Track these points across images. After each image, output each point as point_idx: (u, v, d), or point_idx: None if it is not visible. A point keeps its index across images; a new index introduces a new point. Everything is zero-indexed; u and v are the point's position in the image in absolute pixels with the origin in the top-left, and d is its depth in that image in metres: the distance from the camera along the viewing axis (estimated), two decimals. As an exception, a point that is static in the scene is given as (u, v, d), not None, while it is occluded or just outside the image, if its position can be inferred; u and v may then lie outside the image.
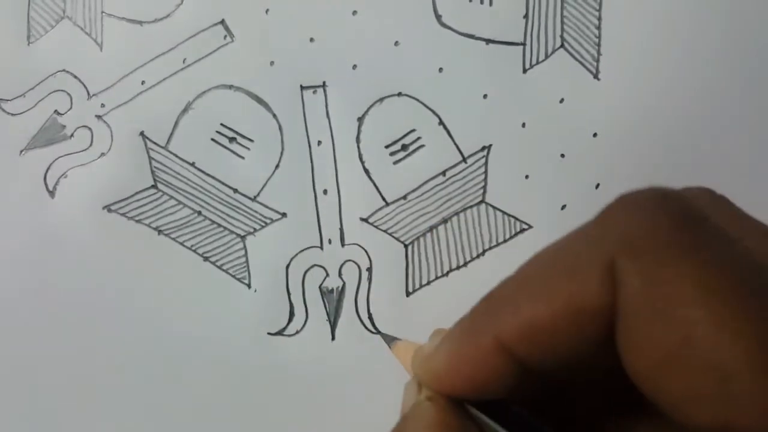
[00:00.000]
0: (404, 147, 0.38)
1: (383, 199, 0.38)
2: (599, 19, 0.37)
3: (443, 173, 0.37)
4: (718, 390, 0.16)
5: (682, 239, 0.17)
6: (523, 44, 0.37)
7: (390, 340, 0.27)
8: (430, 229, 0.38)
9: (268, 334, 0.37)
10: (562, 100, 0.37)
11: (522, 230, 0.37)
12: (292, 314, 0.38)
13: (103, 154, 0.38)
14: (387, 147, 0.38)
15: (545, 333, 0.19)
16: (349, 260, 0.38)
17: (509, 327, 0.19)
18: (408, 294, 0.38)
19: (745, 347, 0.16)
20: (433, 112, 0.38)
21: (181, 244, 0.38)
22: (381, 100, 0.38)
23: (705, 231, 0.18)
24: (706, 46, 0.36)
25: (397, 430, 0.22)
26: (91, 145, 0.38)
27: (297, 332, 0.37)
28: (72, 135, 0.38)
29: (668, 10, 0.36)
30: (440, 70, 0.37)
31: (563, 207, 0.36)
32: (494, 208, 0.37)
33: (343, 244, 0.38)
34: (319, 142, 0.38)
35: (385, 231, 0.38)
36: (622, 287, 0.18)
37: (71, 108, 0.38)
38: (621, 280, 0.18)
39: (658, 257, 0.17)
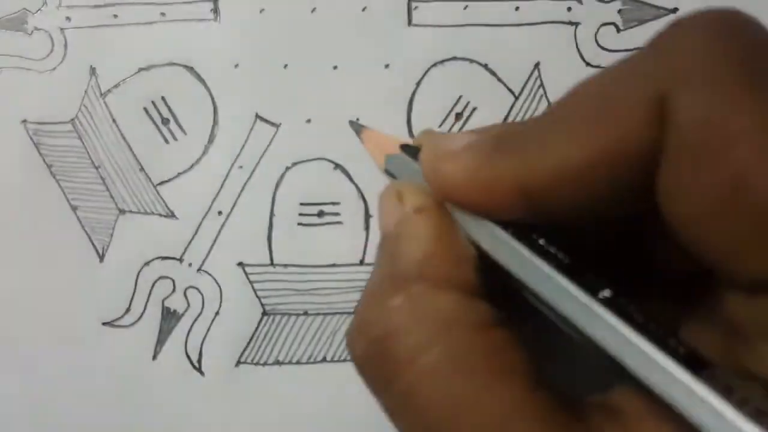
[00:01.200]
0: (320, 213, 0.36)
1: (271, 257, 0.36)
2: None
3: (361, 262, 0.35)
4: None
5: (744, 71, 0.15)
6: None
7: (358, 128, 0.25)
8: (301, 313, 0.36)
9: (102, 324, 0.36)
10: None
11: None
12: (128, 310, 0.36)
13: (50, 70, 0.37)
14: (303, 204, 0.36)
15: (574, 181, 0.16)
16: (198, 288, 0.36)
17: (533, 173, 0.17)
18: (238, 364, 0.36)
19: None
20: (356, 185, 0.36)
21: (60, 185, 0.36)
22: (302, 163, 0.36)
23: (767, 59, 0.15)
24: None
25: (389, 250, 0.19)
26: (47, 56, 0.37)
27: (125, 326, 0.36)
28: (31, 33, 0.37)
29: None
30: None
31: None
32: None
33: (199, 269, 0.36)
34: (240, 167, 0.36)
35: (251, 283, 0.36)
36: (672, 125, 0.15)
37: (40, 10, 0.37)
38: (671, 117, 0.15)
39: (716, 91, 0.15)
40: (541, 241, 0.18)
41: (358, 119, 0.36)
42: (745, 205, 0.14)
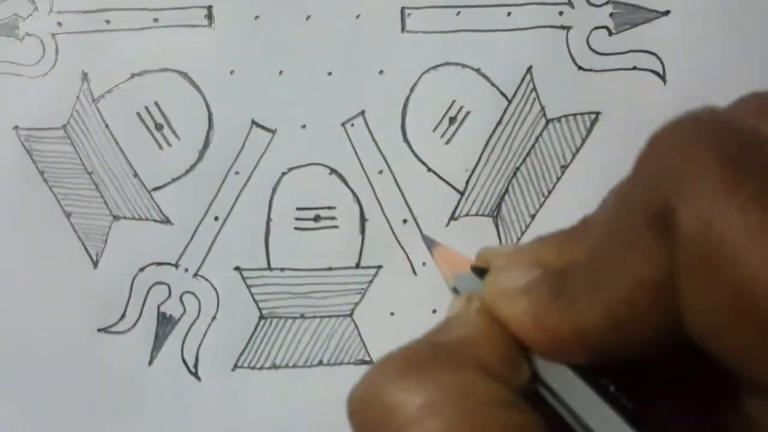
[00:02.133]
0: (317, 218, 0.36)
1: (268, 261, 0.36)
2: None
3: (357, 265, 0.36)
4: None
5: (729, 172, 0.15)
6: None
7: (431, 243, 0.25)
8: (298, 316, 0.36)
9: (98, 330, 0.36)
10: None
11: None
12: (123, 316, 0.36)
13: (42, 75, 0.37)
14: (299, 209, 0.36)
15: (623, 321, 0.17)
16: (194, 293, 0.36)
17: (589, 323, 0.17)
18: (234, 368, 0.36)
19: None
20: (352, 189, 0.36)
21: (52, 191, 0.36)
22: (297, 168, 0.36)
23: (755, 159, 0.15)
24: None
25: (440, 327, 0.20)
26: (38, 61, 0.37)
27: (121, 332, 0.36)
28: (22, 39, 0.37)
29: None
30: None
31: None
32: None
33: (195, 274, 0.36)
34: (237, 173, 0.36)
35: (248, 288, 0.36)
36: (676, 239, 0.15)
37: (31, 15, 0.37)
38: (673, 230, 0.15)
39: (707, 196, 0.15)
40: (607, 385, 0.19)
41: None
42: (749, 313, 0.15)
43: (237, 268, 0.36)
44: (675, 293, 0.16)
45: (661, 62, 0.36)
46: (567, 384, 0.19)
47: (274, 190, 0.36)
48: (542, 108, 0.36)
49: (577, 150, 0.36)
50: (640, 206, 0.16)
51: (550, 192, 0.36)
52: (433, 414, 0.17)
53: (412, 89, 0.36)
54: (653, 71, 0.36)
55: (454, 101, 0.36)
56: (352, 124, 0.36)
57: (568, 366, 0.19)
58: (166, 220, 0.36)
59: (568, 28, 0.36)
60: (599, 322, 0.17)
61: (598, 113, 0.36)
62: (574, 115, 0.36)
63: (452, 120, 0.36)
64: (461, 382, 0.18)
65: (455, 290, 0.24)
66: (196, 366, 0.36)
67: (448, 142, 0.36)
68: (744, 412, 0.17)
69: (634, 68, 0.36)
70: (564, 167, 0.36)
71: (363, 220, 0.36)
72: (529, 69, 0.36)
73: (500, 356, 0.19)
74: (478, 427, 0.17)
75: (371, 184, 0.36)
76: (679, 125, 0.17)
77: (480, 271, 0.23)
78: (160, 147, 0.36)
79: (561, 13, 0.36)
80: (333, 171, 0.36)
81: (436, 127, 0.36)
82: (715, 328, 0.16)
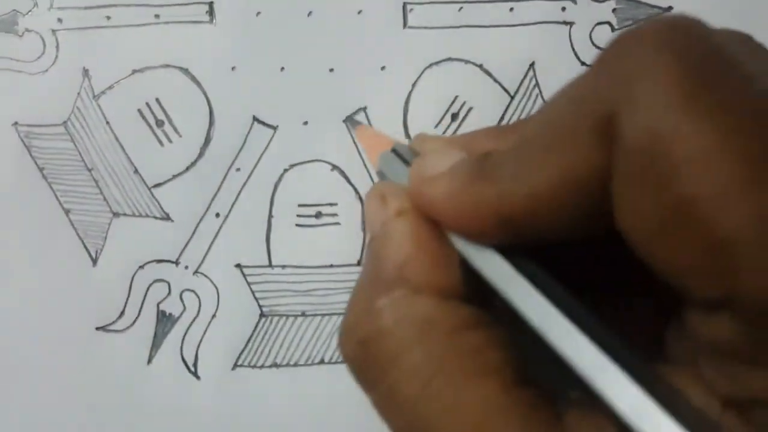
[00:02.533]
0: (318, 215, 0.36)
1: (269, 259, 0.36)
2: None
3: (358, 263, 0.35)
4: (720, 261, 0.15)
5: (686, 84, 0.15)
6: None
7: (353, 123, 0.25)
8: (299, 314, 0.35)
9: (96, 328, 0.35)
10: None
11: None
12: (122, 314, 0.36)
13: (42, 72, 0.36)
14: (301, 206, 0.36)
15: (544, 208, 0.17)
16: (194, 291, 0.36)
17: (507, 201, 0.17)
18: (234, 367, 0.35)
19: (750, 213, 0.14)
20: (354, 186, 0.36)
21: (52, 188, 0.36)
22: (299, 165, 0.36)
23: (716, 72, 0.15)
24: None
25: (374, 252, 0.20)
26: (38, 58, 0.36)
27: (119, 331, 0.35)
28: (22, 35, 0.36)
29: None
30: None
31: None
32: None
33: (196, 272, 0.36)
34: (238, 169, 0.36)
35: (249, 285, 0.35)
36: (618, 146, 0.15)
37: (31, 12, 0.37)
38: (617, 137, 0.15)
39: (658, 107, 0.15)
40: (523, 260, 0.19)
41: (353, 115, 0.36)
42: (690, 227, 0.15)
43: (238, 266, 0.36)
44: (606, 195, 0.16)
45: (663, 59, 0.36)
46: (495, 268, 0.19)
47: (275, 186, 0.36)
48: (545, 104, 0.36)
49: (580, 146, 0.36)
50: (587, 108, 0.16)
51: (552, 188, 0.36)
52: (409, 351, 0.18)
53: (414, 85, 0.36)
54: (655, 68, 0.36)
55: (456, 97, 0.36)
56: (353, 115, 0.36)
57: (494, 249, 0.19)
58: (167, 217, 0.36)
59: (571, 24, 0.36)
60: (519, 203, 0.17)
61: (600, 109, 0.36)
62: (577, 111, 0.36)
63: (454, 116, 0.36)
64: (419, 313, 0.18)
65: (380, 171, 0.23)
66: (195, 365, 0.35)
67: (450, 139, 0.36)
68: (684, 326, 0.17)
69: (637, 65, 0.36)
70: (567, 163, 0.36)
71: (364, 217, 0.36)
72: (532, 65, 0.36)
73: (436, 262, 0.19)
74: (445, 356, 0.18)
75: (373, 181, 0.36)
76: (650, 27, 0.16)
77: (404, 152, 0.23)
78: (161, 143, 0.36)
79: (564, 8, 0.36)
80: (335, 168, 0.36)
81: (438, 123, 0.36)
82: (648, 236, 0.16)
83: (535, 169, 0.17)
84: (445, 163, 0.19)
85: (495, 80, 0.36)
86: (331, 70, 0.36)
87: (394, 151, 0.23)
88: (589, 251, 0.19)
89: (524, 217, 0.17)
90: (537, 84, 0.36)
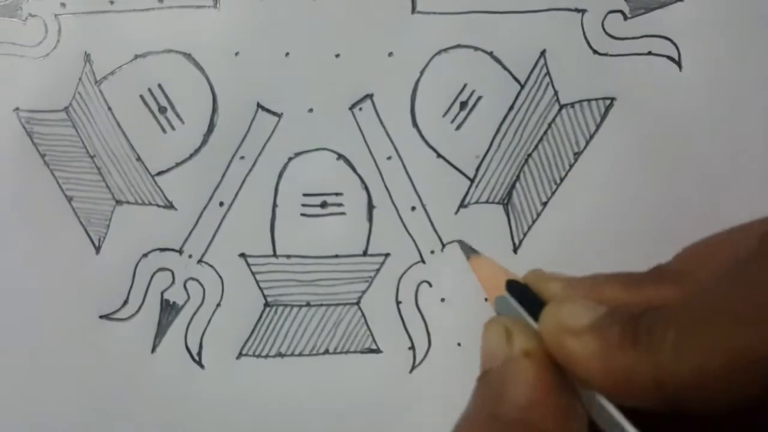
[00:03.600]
0: (324, 204, 0.35)
1: (273, 248, 0.35)
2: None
3: (364, 253, 0.35)
4: None
5: None
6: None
7: (468, 251, 0.24)
8: (304, 304, 0.35)
9: (99, 317, 0.35)
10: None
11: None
12: (125, 303, 0.35)
13: (44, 56, 0.36)
14: (306, 195, 0.35)
15: (712, 383, 0.16)
16: (198, 280, 0.35)
17: (671, 373, 0.17)
18: (239, 356, 0.35)
19: None
20: (360, 176, 0.35)
21: (54, 175, 0.35)
22: (304, 153, 0.36)
23: None
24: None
25: (493, 389, 0.19)
26: (40, 42, 0.36)
27: (123, 320, 0.35)
28: (25, 20, 0.36)
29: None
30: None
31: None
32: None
33: (200, 260, 0.35)
34: (242, 158, 0.35)
35: (253, 275, 0.35)
36: None
37: (32, -7, 0.36)
38: None
39: None
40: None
41: (359, 103, 0.35)
42: None
43: (242, 255, 0.35)
44: None
45: (677, 48, 0.35)
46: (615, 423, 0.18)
47: (280, 175, 0.35)
48: (555, 93, 0.35)
49: (591, 136, 0.35)
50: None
51: (562, 180, 0.35)
52: None
53: (422, 72, 0.35)
54: (669, 57, 0.35)
55: (465, 85, 0.35)
56: (360, 108, 0.35)
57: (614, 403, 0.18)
58: (170, 206, 0.36)
59: (582, 11, 0.35)
60: (682, 377, 0.17)
61: (612, 99, 0.35)
62: (589, 100, 0.35)
63: (463, 104, 0.35)
64: None
65: (499, 305, 0.23)
66: (199, 354, 0.35)
67: (458, 128, 0.35)
68: None
69: (650, 53, 0.35)
70: (577, 154, 0.35)
71: (371, 206, 0.35)
72: (543, 53, 0.35)
73: (563, 412, 0.19)
74: None
75: (379, 170, 0.35)
76: None
77: (519, 288, 0.22)
78: (164, 130, 0.36)
79: (576, -5, 0.35)
80: (340, 156, 0.35)
81: (447, 111, 0.35)
82: None
83: (705, 346, 0.16)
84: (585, 315, 0.19)
85: (505, 68, 0.35)
86: (337, 55, 0.35)
87: (509, 284, 0.23)
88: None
89: (686, 391, 0.17)
90: (548, 72, 0.35)
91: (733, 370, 0.16)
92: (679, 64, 0.35)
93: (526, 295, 0.22)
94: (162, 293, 0.35)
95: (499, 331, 0.20)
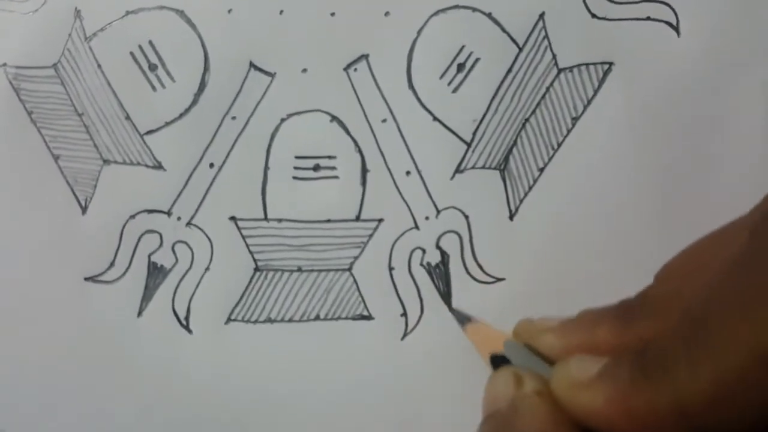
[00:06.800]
0: (316, 167, 0.35)
1: (264, 212, 0.35)
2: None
3: (357, 218, 0.34)
4: None
5: None
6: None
7: (462, 319, 0.25)
8: (295, 269, 0.34)
9: (85, 279, 0.34)
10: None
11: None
12: (112, 265, 0.35)
13: (32, 12, 0.35)
14: (298, 158, 0.35)
15: (734, 393, 0.16)
16: (187, 243, 0.35)
17: (691, 393, 0.16)
18: (227, 321, 0.34)
19: None
20: (354, 138, 0.35)
21: (40, 132, 0.35)
22: (297, 115, 0.35)
23: None
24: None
25: (502, 423, 0.20)
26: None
27: (109, 282, 0.34)
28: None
29: None
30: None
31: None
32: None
33: (189, 223, 0.35)
34: (233, 118, 0.35)
35: (243, 238, 0.34)
36: None
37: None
38: None
39: None
40: None
41: (354, 64, 0.34)
42: None
43: (232, 218, 0.35)
44: None
45: (675, 14, 0.35)
46: None
47: (272, 137, 0.35)
48: (554, 56, 0.34)
49: (589, 101, 0.35)
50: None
51: (560, 145, 0.35)
52: None
53: (419, 33, 0.35)
54: (667, 22, 0.35)
55: (463, 47, 0.35)
56: (356, 69, 0.35)
57: None
58: (159, 166, 0.35)
59: (582, -27, 0.35)
60: (704, 394, 0.16)
61: (611, 63, 0.35)
62: (587, 65, 0.35)
63: (460, 67, 0.35)
64: None
65: (492, 363, 0.23)
66: (187, 318, 0.34)
67: (455, 90, 0.35)
68: None
69: (648, 18, 0.35)
70: (575, 119, 0.35)
71: (364, 170, 0.35)
72: (542, 15, 0.35)
73: None
74: None
75: (374, 133, 0.35)
76: None
77: (515, 347, 0.23)
78: (154, 89, 0.35)
79: (576, -44, 0.35)
80: (334, 118, 0.35)
81: (444, 73, 0.35)
82: None
83: (720, 353, 0.16)
84: (591, 368, 0.19)
85: (503, 30, 0.35)
86: (333, 14, 0.35)
87: (506, 346, 0.23)
88: None
89: (711, 411, 0.16)
90: (546, 36, 0.35)
91: (754, 369, 0.15)
92: (677, 30, 0.35)
93: (523, 353, 0.22)
94: (149, 256, 0.35)
95: (508, 377, 0.21)
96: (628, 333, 0.20)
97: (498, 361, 0.23)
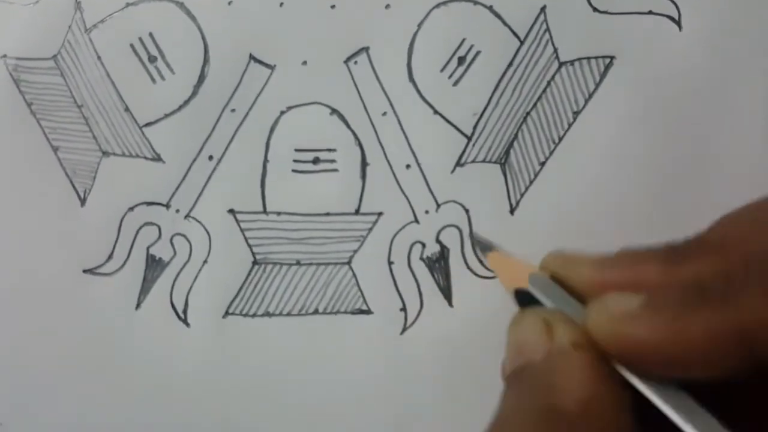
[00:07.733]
0: (316, 160, 0.34)
1: (263, 204, 0.34)
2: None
3: (356, 211, 0.34)
4: None
5: None
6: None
7: (485, 247, 0.23)
8: (293, 263, 0.34)
9: (83, 271, 0.34)
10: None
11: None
12: (110, 257, 0.34)
13: (33, 3, 0.35)
14: (297, 151, 0.34)
15: None
16: (185, 236, 0.34)
17: (757, 318, 0.16)
18: (225, 315, 0.34)
19: None
20: (353, 131, 0.34)
21: (40, 124, 0.34)
22: (297, 107, 0.35)
23: None
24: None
25: (541, 382, 0.18)
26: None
27: (107, 274, 0.34)
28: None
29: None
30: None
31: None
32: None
33: (187, 216, 0.34)
34: (233, 110, 0.35)
35: (242, 231, 0.34)
36: None
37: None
38: None
39: None
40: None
41: (354, 56, 0.34)
42: None
43: (231, 211, 0.34)
44: None
45: (677, 7, 0.35)
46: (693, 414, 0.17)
47: (271, 129, 0.35)
48: (555, 50, 0.34)
49: (590, 95, 0.34)
50: None
51: (561, 139, 0.34)
52: None
53: (419, 26, 0.35)
54: (669, 16, 0.35)
55: (464, 40, 0.34)
56: (356, 62, 0.34)
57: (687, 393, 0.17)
58: (158, 158, 0.35)
59: (584, -35, 0.35)
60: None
61: (612, 57, 0.34)
62: (588, 58, 0.34)
63: (461, 60, 0.34)
64: None
65: (517, 298, 0.21)
66: (185, 311, 0.34)
67: (456, 84, 0.34)
68: None
69: (650, 12, 0.35)
70: (576, 113, 0.34)
71: (364, 164, 0.35)
72: (543, 9, 0.34)
73: (618, 405, 0.17)
74: None
75: (374, 126, 0.35)
76: None
77: (541, 280, 0.21)
78: (153, 80, 0.35)
79: (578, -52, 0.34)
80: (334, 111, 0.35)
81: (444, 67, 0.35)
82: None
83: None
84: (631, 302, 0.18)
85: (504, 23, 0.34)
86: (333, 6, 0.35)
87: (531, 278, 0.21)
88: None
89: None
90: (548, 29, 0.34)
91: None
92: (679, 24, 0.34)
93: (552, 290, 0.20)
94: (148, 248, 0.35)
95: (536, 323, 0.19)
96: (679, 271, 0.18)
97: (523, 298, 0.21)
